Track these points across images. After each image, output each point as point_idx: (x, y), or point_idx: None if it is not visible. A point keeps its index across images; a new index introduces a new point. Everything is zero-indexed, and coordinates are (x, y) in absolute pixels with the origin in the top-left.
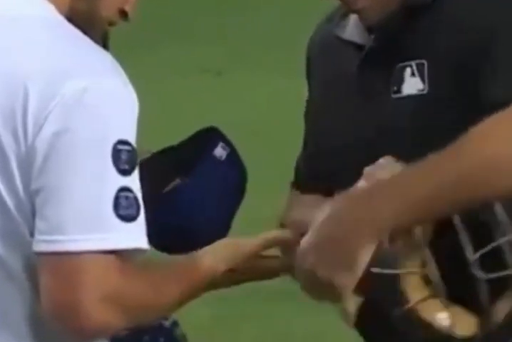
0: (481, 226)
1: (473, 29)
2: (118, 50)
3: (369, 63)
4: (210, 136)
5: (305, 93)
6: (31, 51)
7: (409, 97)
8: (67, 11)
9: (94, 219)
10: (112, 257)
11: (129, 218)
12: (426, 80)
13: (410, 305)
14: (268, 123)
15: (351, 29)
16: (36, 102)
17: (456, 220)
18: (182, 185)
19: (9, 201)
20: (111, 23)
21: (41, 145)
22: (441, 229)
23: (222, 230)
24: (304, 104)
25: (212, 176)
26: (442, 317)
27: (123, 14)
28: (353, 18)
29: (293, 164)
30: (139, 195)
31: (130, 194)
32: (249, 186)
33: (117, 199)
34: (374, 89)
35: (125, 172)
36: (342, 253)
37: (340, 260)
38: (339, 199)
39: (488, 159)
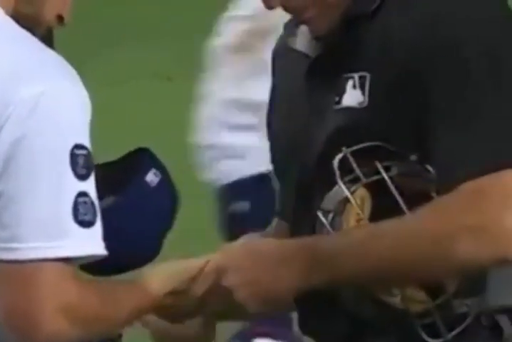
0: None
1: (404, 47)
2: (66, 54)
3: (314, 72)
4: (142, 160)
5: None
6: None
7: (348, 109)
8: (11, 13)
9: (53, 226)
10: (69, 265)
11: (87, 224)
12: (367, 93)
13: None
14: None
15: (301, 39)
16: None
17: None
18: (108, 206)
19: None
20: (49, 28)
21: (0, 153)
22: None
23: (147, 255)
24: None
25: (141, 201)
26: (395, 293)
27: (60, 19)
28: (303, 27)
29: None
30: (95, 199)
31: (87, 199)
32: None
33: (75, 204)
34: (319, 99)
35: (82, 177)
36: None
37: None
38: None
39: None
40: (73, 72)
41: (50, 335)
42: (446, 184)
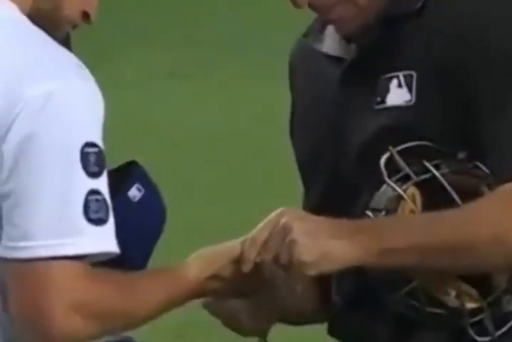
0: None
1: (453, 44)
2: (81, 56)
3: (352, 75)
4: (128, 175)
5: (272, 96)
6: None
7: (394, 108)
8: (29, 10)
9: (64, 224)
10: (81, 262)
11: (99, 221)
12: (414, 92)
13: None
14: (236, 127)
15: (329, 42)
16: (0, 106)
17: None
18: None
19: None
20: (73, 25)
21: (9, 151)
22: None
23: (132, 266)
24: (271, 107)
25: (123, 216)
26: (449, 291)
27: (85, 16)
28: (329, 30)
29: (267, 166)
30: (108, 197)
31: (99, 197)
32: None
33: (86, 202)
34: (356, 100)
35: (94, 175)
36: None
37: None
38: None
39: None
40: (86, 70)
41: (64, 333)
42: (499, 182)
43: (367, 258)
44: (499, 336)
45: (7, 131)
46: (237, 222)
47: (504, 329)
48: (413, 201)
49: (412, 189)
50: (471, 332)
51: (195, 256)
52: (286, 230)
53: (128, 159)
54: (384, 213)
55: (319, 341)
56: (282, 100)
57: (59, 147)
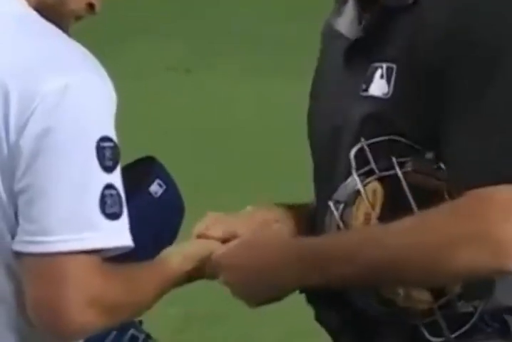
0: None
1: (432, 42)
2: (83, 47)
3: (351, 55)
4: (148, 170)
5: (274, 90)
6: (7, 49)
7: (373, 98)
8: (35, 4)
9: (81, 219)
10: (95, 256)
11: (114, 216)
12: (392, 85)
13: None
14: (236, 120)
15: (344, 20)
16: (16, 102)
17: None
18: None
19: None
20: (78, 17)
21: (26, 146)
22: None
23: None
24: (273, 100)
25: (144, 212)
26: (398, 291)
27: (91, 7)
28: (348, 7)
29: (268, 160)
30: (122, 191)
31: (114, 192)
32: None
33: (103, 197)
34: (351, 83)
35: (109, 169)
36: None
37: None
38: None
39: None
40: (99, 64)
41: (78, 328)
42: (456, 187)
43: (309, 284)
44: (456, 337)
45: (24, 126)
46: None
47: (461, 331)
48: (375, 196)
49: (374, 185)
50: (425, 332)
51: (175, 252)
52: (218, 269)
53: (127, 152)
54: (342, 206)
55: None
56: (283, 94)
57: (76, 141)
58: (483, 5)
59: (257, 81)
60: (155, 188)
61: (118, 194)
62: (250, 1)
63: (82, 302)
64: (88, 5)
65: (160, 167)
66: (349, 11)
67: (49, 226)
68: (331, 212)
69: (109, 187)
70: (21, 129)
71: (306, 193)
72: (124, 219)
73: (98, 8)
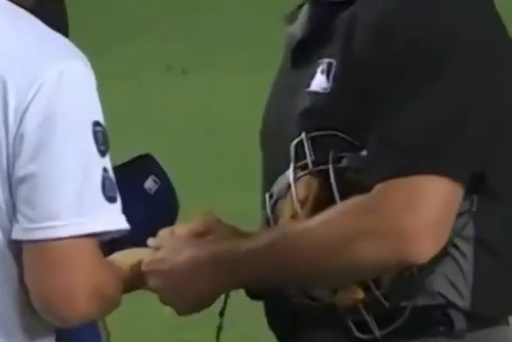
0: None
1: (362, 38)
2: (80, 47)
3: (297, 54)
4: (143, 166)
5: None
6: (1, 41)
7: (314, 93)
8: None
9: (85, 203)
10: (95, 241)
11: (113, 199)
12: (331, 80)
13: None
14: (233, 120)
15: (296, 23)
16: (14, 91)
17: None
18: None
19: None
20: None
21: (27, 134)
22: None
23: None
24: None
25: (139, 207)
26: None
27: None
28: (304, 10)
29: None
30: (113, 176)
31: (109, 175)
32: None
33: (104, 180)
34: (295, 79)
35: (103, 153)
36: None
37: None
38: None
39: None
40: (81, 52)
41: (82, 316)
42: (371, 181)
43: (223, 285)
44: (387, 334)
45: (24, 114)
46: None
47: (391, 328)
48: (308, 190)
49: (308, 179)
50: (353, 329)
51: (126, 256)
52: (146, 276)
53: (123, 151)
54: (274, 199)
55: None
56: None
57: (75, 126)
58: (405, 7)
59: (254, 81)
60: (150, 184)
61: (111, 178)
62: (248, 1)
63: (89, 290)
64: None
65: (155, 163)
66: (303, 14)
67: (55, 211)
68: (265, 205)
69: (105, 170)
70: (21, 118)
71: None
72: (119, 203)
73: None
